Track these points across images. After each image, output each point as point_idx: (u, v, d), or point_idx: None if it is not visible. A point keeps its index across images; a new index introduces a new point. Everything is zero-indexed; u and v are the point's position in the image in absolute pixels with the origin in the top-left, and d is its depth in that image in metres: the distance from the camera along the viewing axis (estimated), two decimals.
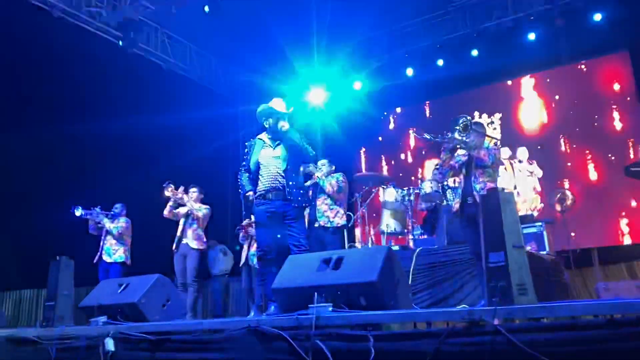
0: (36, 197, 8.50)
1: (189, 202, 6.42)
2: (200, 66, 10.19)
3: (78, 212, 6.92)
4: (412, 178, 9.69)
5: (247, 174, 4.53)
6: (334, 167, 6.10)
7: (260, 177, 4.43)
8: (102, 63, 8.39)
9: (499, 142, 4.53)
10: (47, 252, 4.85)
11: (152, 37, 9.07)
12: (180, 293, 5.91)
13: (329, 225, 5.76)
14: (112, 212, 7.14)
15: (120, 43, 8.22)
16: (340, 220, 5.83)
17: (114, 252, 6.95)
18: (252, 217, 6.57)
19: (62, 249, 4.69)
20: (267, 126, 4.53)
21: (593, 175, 8.47)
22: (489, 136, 4.38)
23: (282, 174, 4.39)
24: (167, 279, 4.19)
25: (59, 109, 8.51)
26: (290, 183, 4.37)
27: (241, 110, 11.50)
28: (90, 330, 3.64)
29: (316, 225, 5.80)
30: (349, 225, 6.91)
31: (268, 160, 4.46)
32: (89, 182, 8.66)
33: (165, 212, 6.48)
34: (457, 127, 4.22)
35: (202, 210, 6.45)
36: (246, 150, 4.65)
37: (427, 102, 10.27)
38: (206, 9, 7.35)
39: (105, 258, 6.92)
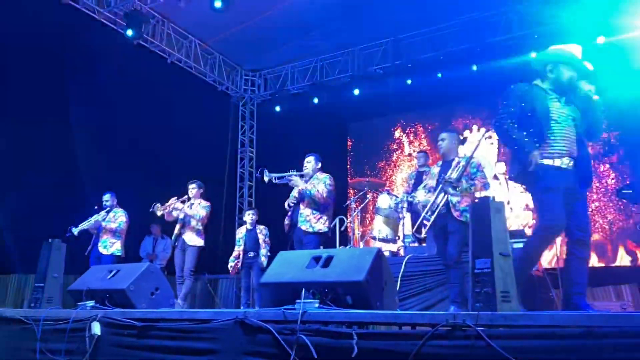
0: (27, 185, 8.38)
1: (181, 212, 6.50)
2: (204, 61, 10.23)
3: (76, 231, 6.81)
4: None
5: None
6: (320, 165, 5.68)
7: (551, 135, 3.45)
8: (106, 52, 8.40)
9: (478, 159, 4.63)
10: (38, 238, 4.80)
11: (157, 29, 9.11)
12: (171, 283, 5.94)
13: (310, 230, 5.36)
14: (104, 207, 7.04)
15: (128, 33, 8.23)
16: (322, 226, 5.43)
17: (110, 245, 6.92)
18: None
19: (55, 236, 4.68)
20: (550, 75, 3.64)
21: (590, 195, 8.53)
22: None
23: (577, 143, 3.51)
24: (157, 268, 4.21)
25: (55, 97, 8.40)
26: (584, 158, 3.51)
27: (242, 108, 11.59)
28: (77, 313, 3.65)
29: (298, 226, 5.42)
30: (342, 229, 6.94)
31: (562, 116, 3.52)
32: (86, 172, 8.58)
33: (166, 218, 6.59)
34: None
35: (197, 215, 6.50)
36: (513, 95, 3.60)
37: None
38: (217, 4, 7.36)
39: (102, 250, 6.89)
